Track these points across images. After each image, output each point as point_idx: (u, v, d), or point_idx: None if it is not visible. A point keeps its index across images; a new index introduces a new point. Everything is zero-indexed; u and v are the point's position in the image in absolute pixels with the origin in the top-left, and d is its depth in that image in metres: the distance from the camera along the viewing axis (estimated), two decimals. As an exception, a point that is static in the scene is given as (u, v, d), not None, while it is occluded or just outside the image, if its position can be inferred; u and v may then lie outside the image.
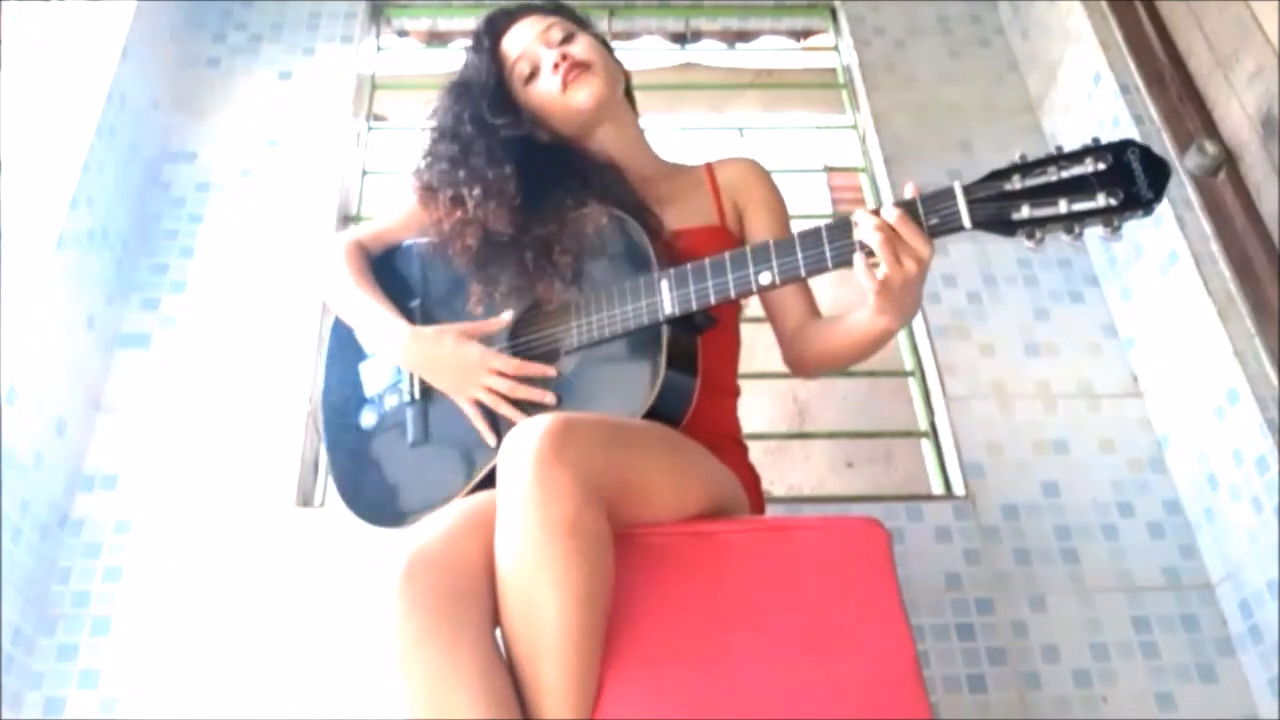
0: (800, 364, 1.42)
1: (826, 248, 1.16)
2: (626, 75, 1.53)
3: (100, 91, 1.87)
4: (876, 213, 1.12)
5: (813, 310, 1.43)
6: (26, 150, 1.76)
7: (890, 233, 1.10)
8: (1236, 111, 1.78)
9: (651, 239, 1.30)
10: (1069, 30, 2.15)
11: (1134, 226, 1.90)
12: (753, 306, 1.52)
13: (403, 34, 2.56)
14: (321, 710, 1.52)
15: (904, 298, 1.15)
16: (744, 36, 2.69)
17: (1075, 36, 2.12)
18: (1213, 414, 1.71)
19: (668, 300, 1.24)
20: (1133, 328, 1.92)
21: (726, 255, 1.23)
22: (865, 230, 1.12)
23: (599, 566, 1.05)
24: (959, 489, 1.80)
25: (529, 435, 1.06)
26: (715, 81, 3.31)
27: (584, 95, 1.41)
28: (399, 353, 1.34)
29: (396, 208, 1.54)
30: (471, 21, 2.57)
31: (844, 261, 1.15)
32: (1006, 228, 1.08)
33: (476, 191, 1.35)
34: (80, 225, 1.75)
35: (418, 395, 1.36)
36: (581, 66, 1.42)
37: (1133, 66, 2.00)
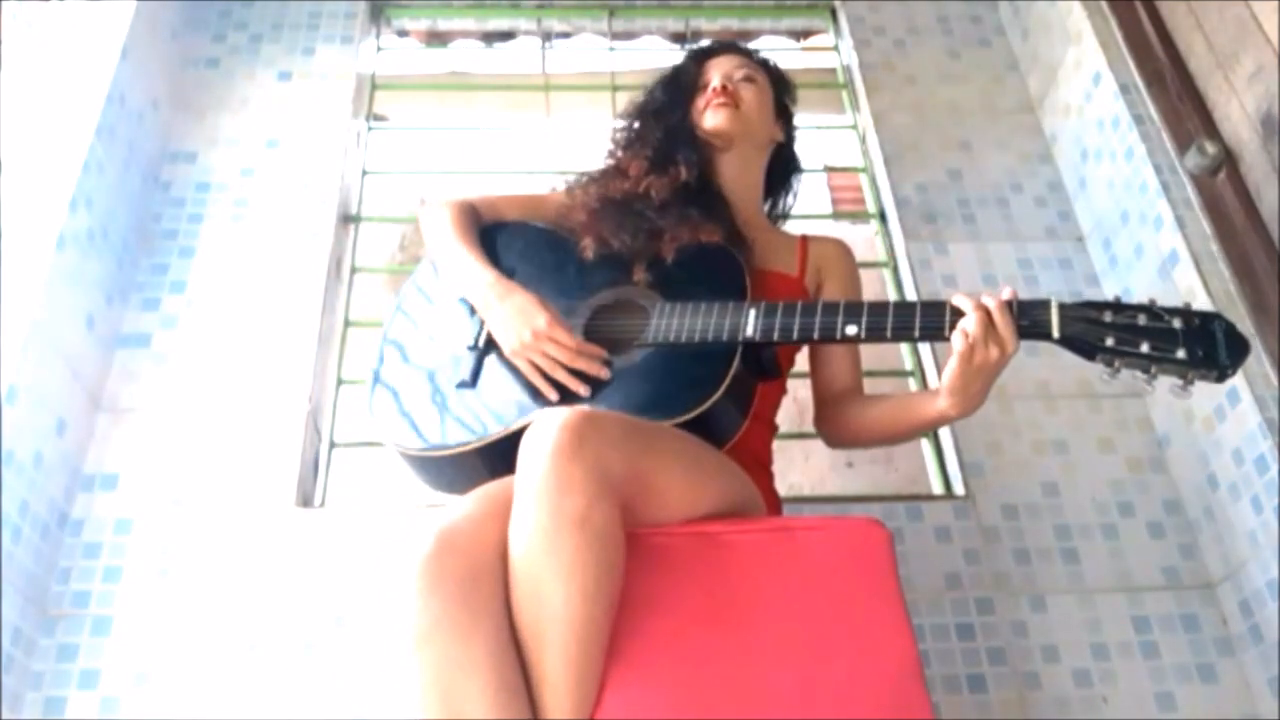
0: (834, 429, 1.49)
1: (918, 318, 1.23)
2: (780, 141, 1.68)
3: (100, 91, 1.87)
4: (977, 299, 1.20)
5: (859, 382, 1.49)
6: (26, 150, 1.75)
7: (987, 316, 1.18)
8: (1236, 111, 1.78)
9: (750, 271, 1.38)
10: (1069, 30, 2.15)
11: (1134, 226, 1.91)
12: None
13: (403, 34, 2.56)
14: (322, 710, 1.52)
15: (974, 383, 1.21)
16: (744, 36, 2.68)
17: (1075, 36, 2.12)
18: (1213, 414, 1.71)
19: (751, 325, 1.28)
20: (1133, 328, 1.92)
21: (819, 302, 1.29)
22: (966, 309, 1.19)
23: (607, 562, 1.06)
24: (959, 489, 1.80)
25: (548, 427, 1.08)
26: (715, 81, 3.30)
27: (709, 118, 1.56)
28: (478, 291, 1.40)
29: (514, 192, 1.65)
30: (471, 22, 2.60)
31: (931, 335, 1.22)
32: (1089, 350, 1.15)
33: (674, 168, 1.50)
34: (80, 225, 1.75)
35: (482, 343, 1.41)
36: (727, 98, 1.56)
37: (1133, 66, 2.00)
